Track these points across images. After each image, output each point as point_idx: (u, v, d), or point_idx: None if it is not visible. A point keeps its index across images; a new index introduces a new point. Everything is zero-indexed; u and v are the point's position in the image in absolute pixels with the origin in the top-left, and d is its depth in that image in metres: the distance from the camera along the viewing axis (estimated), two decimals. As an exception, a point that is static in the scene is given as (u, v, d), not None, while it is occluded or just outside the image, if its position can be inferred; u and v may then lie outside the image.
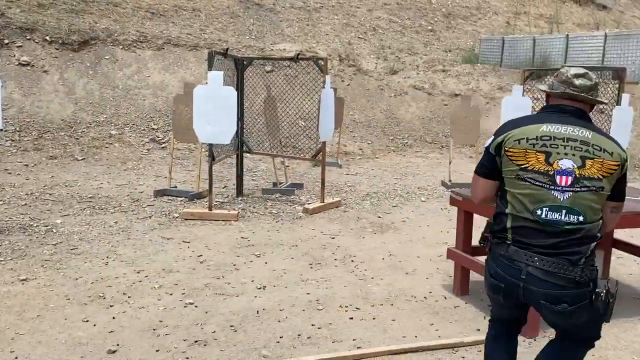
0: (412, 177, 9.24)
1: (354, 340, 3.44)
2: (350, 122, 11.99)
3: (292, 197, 7.36)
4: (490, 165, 2.38)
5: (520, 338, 2.70)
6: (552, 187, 2.21)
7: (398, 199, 7.58)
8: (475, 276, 4.17)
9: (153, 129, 10.22)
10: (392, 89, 13.81)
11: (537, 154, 2.24)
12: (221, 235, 5.62)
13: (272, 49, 13.68)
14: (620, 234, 4.65)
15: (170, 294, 4.07)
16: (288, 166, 8.66)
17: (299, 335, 3.48)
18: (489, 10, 20.91)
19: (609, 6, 23.67)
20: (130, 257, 4.87)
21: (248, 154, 7.97)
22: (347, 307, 3.93)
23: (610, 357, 3.34)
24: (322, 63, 6.66)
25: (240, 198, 7.22)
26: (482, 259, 4.50)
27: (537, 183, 2.23)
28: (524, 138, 2.26)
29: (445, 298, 4.18)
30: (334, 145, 10.15)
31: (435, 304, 4.07)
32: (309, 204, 6.87)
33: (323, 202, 6.85)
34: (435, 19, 19.33)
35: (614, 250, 4.74)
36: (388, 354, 3.25)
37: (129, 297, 4.00)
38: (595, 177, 2.20)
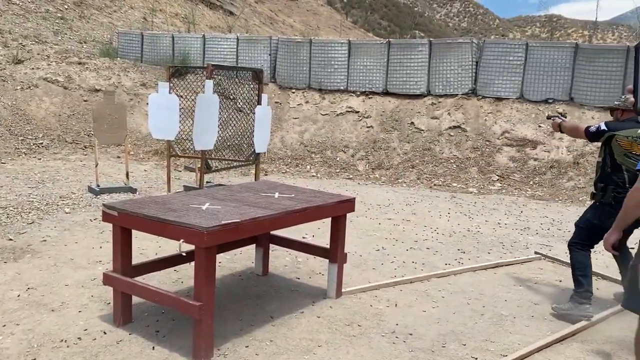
0: (51, 184, 7.96)
1: None
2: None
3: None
4: None
5: None
6: None
7: (35, 213, 6.35)
8: (136, 299, 3.65)
9: None
10: (17, 81, 11.78)
11: None
12: None
13: None
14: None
15: None
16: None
17: None
18: (124, 4, 20.11)
19: (235, 13, 25.84)
20: None
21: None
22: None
23: None
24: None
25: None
26: (145, 279, 4.02)
27: None
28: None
29: (105, 333, 3.51)
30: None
31: (92, 344, 3.36)
32: None
33: None
34: (66, 6, 17.50)
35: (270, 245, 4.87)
36: None
37: None
38: None
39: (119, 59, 14.59)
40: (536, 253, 5.94)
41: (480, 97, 12.32)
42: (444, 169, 10.95)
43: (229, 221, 3.22)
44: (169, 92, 7.18)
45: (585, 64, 11.49)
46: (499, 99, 12.15)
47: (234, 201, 3.85)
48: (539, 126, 11.41)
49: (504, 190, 10.07)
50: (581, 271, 4.19)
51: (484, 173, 10.76)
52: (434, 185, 10.32)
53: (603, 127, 4.21)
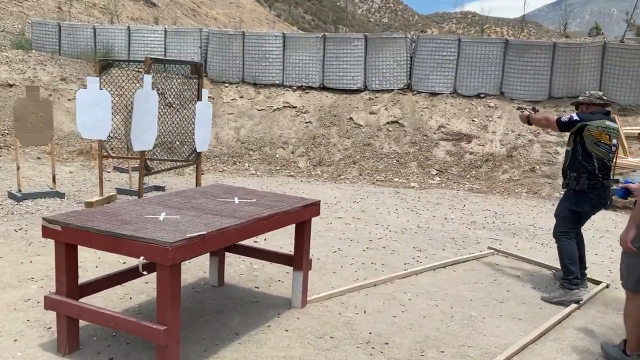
0: (-37, 191, 7.14)
1: None
2: None
3: None
4: None
5: None
6: None
7: (-53, 225, 5.62)
8: (83, 323, 3.23)
9: None
10: None
11: None
12: None
13: None
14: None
15: None
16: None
17: None
18: (37, -8, 18.65)
19: (157, 4, 24.73)
20: None
21: None
22: None
23: None
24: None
25: None
26: (91, 299, 3.59)
27: None
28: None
29: (49, 365, 3.06)
30: None
31: (37, 380, 2.91)
32: None
33: None
34: (-31, -7, 15.99)
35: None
36: None
37: None
38: None
39: (33, 51, 13.49)
40: (489, 248, 5.96)
41: (416, 92, 12.43)
42: (385, 164, 10.93)
43: (195, 234, 2.88)
44: (100, 88, 6.61)
45: (514, 59, 11.86)
46: (434, 94, 12.31)
47: (192, 209, 3.50)
48: (473, 120, 11.65)
49: (443, 185, 10.19)
50: (570, 259, 4.47)
51: (423, 168, 10.84)
52: (377, 181, 10.27)
53: (575, 117, 4.43)
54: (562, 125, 4.49)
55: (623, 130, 9.73)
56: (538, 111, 4.90)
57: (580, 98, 4.67)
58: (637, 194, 3.47)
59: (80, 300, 3.23)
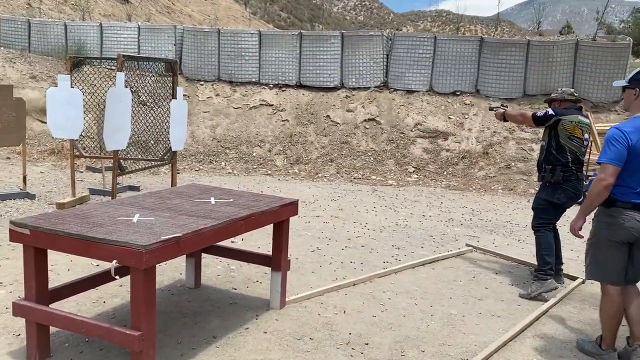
0: None
1: None
2: None
3: None
4: None
5: None
6: None
7: None
8: (54, 329, 3.13)
9: None
10: None
11: None
12: None
13: None
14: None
15: None
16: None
17: None
18: (5, -13, 18.16)
19: (130, 1, 24.32)
20: None
21: None
22: None
23: None
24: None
25: None
26: (63, 304, 3.48)
27: None
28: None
29: (18, 374, 2.95)
30: None
31: (5, 390, 2.81)
32: None
33: None
34: None
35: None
36: None
37: None
38: None
39: (2, 48, 13.13)
40: (467, 245, 5.98)
41: (392, 89, 12.44)
42: (363, 162, 10.92)
43: (170, 236, 2.80)
44: (71, 86, 6.44)
45: (489, 57, 11.95)
46: (410, 92, 12.34)
47: (166, 210, 3.41)
48: (449, 118, 11.72)
49: (420, 182, 10.22)
50: (547, 251, 4.58)
51: (400, 165, 10.86)
52: (354, 178, 10.25)
53: (551, 112, 4.55)
54: (537, 120, 4.61)
55: (595, 126, 9.89)
56: (507, 107, 5.01)
57: (552, 95, 4.82)
58: None
59: (51, 305, 3.13)
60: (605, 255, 3.30)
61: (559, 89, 4.83)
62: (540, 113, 4.62)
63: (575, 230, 3.45)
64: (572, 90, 4.82)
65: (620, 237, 3.22)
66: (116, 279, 2.82)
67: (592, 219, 3.45)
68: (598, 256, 3.35)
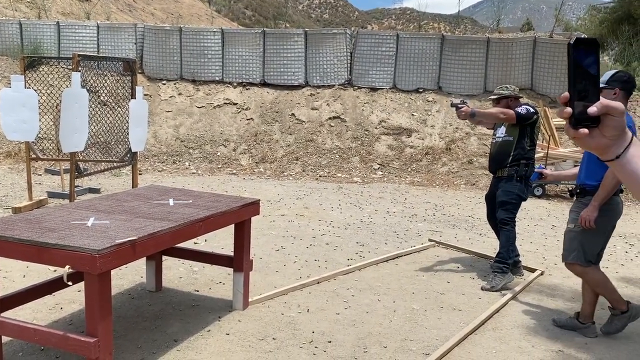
0: None
1: None
2: None
3: None
4: None
5: None
6: None
7: None
8: (6, 338, 3.03)
9: None
10: None
11: None
12: None
13: None
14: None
15: None
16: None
17: None
18: (-45, -16, 17.50)
19: (90, -2, 23.77)
20: None
21: None
22: None
23: None
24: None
25: None
26: (18, 312, 3.37)
27: None
28: None
29: (-31, 386, 2.85)
30: None
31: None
32: None
33: None
34: None
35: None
36: None
37: None
38: None
39: (-47, 48, 12.66)
40: (430, 240, 6.06)
41: (356, 87, 12.50)
42: (328, 160, 10.94)
43: (125, 239, 2.74)
44: (25, 87, 6.25)
45: (451, 55, 12.12)
46: (374, 89, 12.42)
47: (123, 213, 3.34)
48: (412, 115, 11.84)
49: (385, 179, 10.30)
50: (513, 245, 4.72)
51: (365, 162, 10.92)
52: (320, 176, 10.26)
53: (532, 109, 4.60)
54: (522, 118, 4.53)
55: (553, 122, 10.14)
56: (466, 103, 4.82)
57: (503, 92, 4.77)
58: (548, 177, 4.22)
59: (4, 314, 3.02)
60: (597, 240, 3.61)
61: (507, 86, 4.83)
62: (522, 111, 4.53)
63: (590, 221, 3.53)
64: (514, 87, 4.89)
65: (616, 221, 3.63)
66: (69, 285, 2.74)
67: (571, 210, 3.77)
68: (589, 241, 3.61)
